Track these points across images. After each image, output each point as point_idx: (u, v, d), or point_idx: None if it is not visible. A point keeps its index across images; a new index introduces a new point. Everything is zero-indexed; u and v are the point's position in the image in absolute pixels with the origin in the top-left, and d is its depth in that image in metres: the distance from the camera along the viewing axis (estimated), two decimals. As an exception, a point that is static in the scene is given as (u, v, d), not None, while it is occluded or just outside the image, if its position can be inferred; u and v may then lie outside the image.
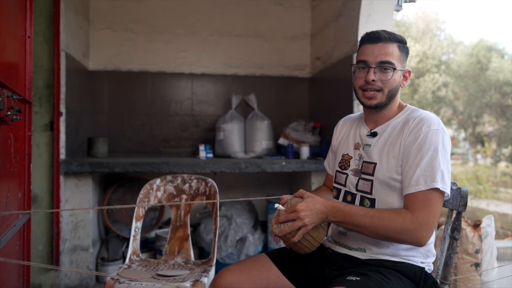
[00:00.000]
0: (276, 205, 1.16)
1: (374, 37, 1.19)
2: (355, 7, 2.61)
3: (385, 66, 1.17)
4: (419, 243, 1.07)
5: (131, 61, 3.25)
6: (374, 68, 1.18)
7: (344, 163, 1.30)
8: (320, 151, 2.90)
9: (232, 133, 3.05)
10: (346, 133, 1.36)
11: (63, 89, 2.41)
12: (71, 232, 2.53)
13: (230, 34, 3.39)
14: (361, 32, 2.54)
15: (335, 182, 1.33)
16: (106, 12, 3.20)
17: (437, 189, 1.07)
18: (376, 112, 1.25)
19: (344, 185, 1.27)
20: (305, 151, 2.84)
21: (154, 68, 3.29)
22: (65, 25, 2.46)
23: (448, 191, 1.09)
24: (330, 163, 1.44)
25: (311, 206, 1.09)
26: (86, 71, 3.08)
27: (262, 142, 3.06)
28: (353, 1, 2.63)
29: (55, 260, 2.36)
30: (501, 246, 3.64)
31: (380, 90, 1.19)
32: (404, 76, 1.24)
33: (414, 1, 3.36)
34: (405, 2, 2.94)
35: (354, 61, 1.30)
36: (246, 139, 3.13)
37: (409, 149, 1.13)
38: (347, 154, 1.30)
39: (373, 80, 1.18)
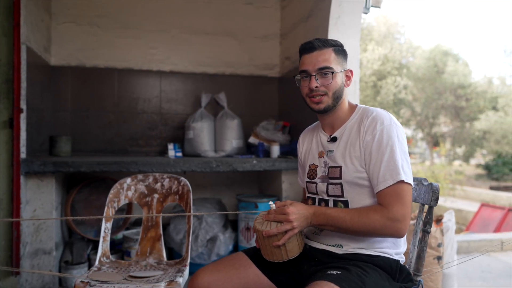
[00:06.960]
0: (271, 203, 1.20)
1: (309, 47, 1.26)
2: (324, 8, 2.65)
3: (324, 71, 1.24)
4: (399, 235, 1.14)
5: (96, 57, 3.13)
6: (315, 75, 1.24)
7: (312, 172, 1.35)
8: (290, 149, 2.93)
9: (202, 132, 3.02)
10: (309, 145, 1.42)
11: (23, 84, 2.28)
12: (32, 235, 2.40)
13: (200, 32, 3.35)
14: (331, 33, 2.59)
15: (308, 192, 1.37)
16: (69, 6, 3.06)
17: (403, 181, 1.13)
18: (329, 116, 1.30)
19: (317, 193, 1.32)
20: (275, 150, 2.86)
21: (121, 64, 3.18)
22: (26, 17, 2.33)
23: (411, 181, 1.16)
24: (302, 177, 1.48)
25: (300, 210, 1.15)
26: (48, 66, 2.93)
27: (232, 141, 3.05)
28: (323, 2, 2.68)
29: (15, 264, 2.23)
30: (458, 240, 3.84)
31: (324, 94, 1.25)
32: (346, 76, 1.30)
33: (379, 7, 3.45)
34: (372, 6, 3.02)
35: None
36: (216, 138, 3.10)
37: (369, 148, 1.19)
38: (313, 163, 1.35)
39: (316, 87, 1.24)
